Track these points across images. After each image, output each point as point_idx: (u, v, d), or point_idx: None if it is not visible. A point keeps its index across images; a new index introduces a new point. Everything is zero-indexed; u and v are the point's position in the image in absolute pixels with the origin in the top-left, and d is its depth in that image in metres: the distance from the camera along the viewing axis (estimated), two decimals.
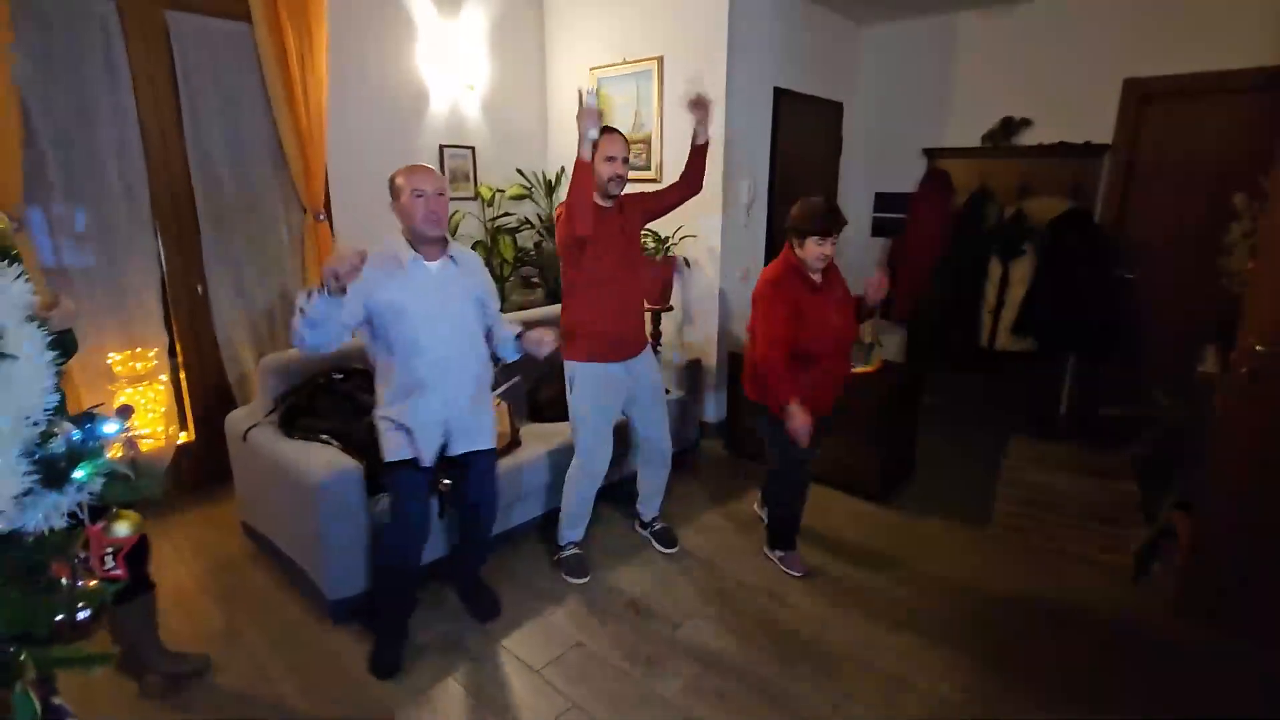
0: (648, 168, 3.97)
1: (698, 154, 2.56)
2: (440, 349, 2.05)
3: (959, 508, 3.21)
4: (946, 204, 4.32)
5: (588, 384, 2.51)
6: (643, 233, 3.52)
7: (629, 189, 2.52)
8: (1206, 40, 3.51)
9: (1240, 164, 3.31)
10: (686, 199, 2.65)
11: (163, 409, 3.16)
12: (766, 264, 4.13)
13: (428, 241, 2.05)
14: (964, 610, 2.47)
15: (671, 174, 3.86)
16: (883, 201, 4.81)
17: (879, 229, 4.86)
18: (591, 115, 2.17)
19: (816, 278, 2.42)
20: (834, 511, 3.16)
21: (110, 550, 0.97)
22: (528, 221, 4.32)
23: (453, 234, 4.01)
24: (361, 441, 2.42)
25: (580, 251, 2.39)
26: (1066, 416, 4.22)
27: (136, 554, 1.89)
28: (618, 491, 3.10)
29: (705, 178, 2.66)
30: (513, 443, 2.83)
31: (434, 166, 3.90)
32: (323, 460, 2.21)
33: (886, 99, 4.68)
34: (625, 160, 2.40)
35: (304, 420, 2.50)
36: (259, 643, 2.25)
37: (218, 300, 3.23)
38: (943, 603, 2.51)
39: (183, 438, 3.28)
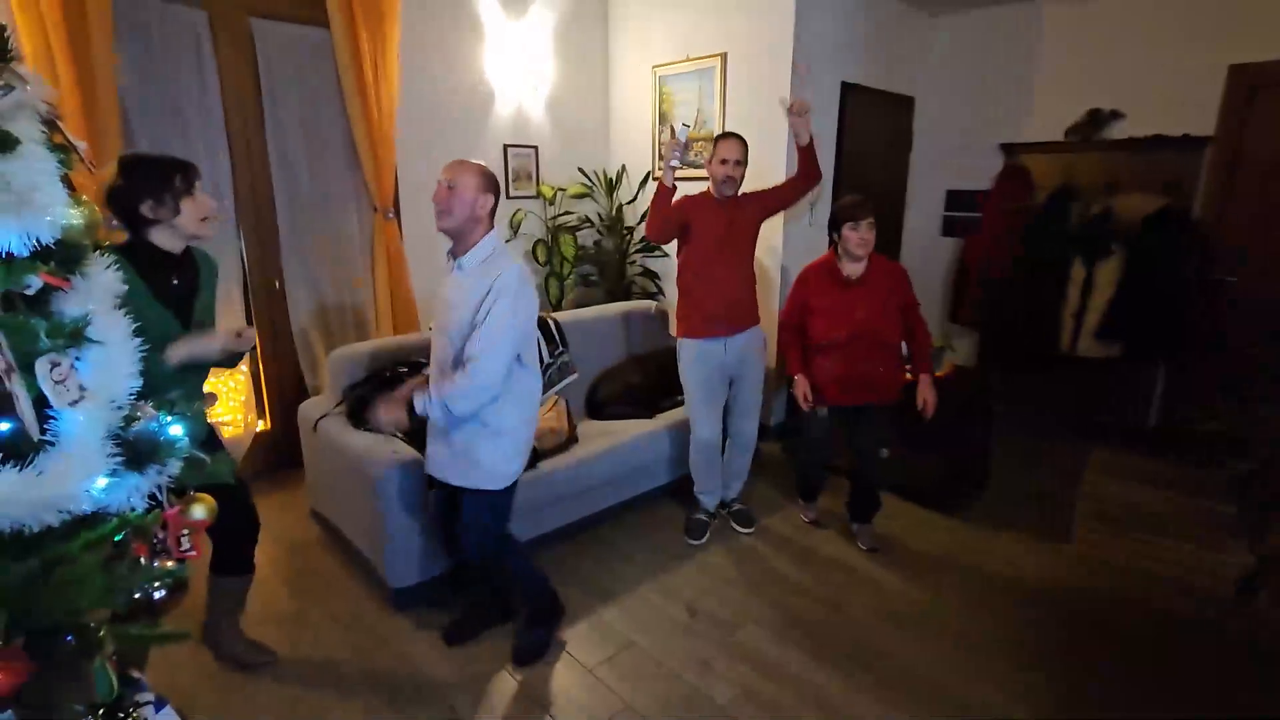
0: None
1: (805, 153, 2.75)
2: (434, 360, 2.01)
3: (1035, 522, 3.04)
4: (1024, 201, 4.10)
5: (686, 357, 2.78)
6: None
7: (748, 186, 2.75)
8: None
9: None
10: (805, 191, 2.85)
11: (242, 398, 3.33)
12: None
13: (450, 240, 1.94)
14: (1038, 632, 2.32)
15: None
16: (954, 199, 4.60)
17: (949, 228, 4.65)
18: (676, 146, 2.44)
19: (852, 272, 2.59)
20: (900, 520, 3.04)
21: (186, 532, 1.01)
22: (588, 220, 4.34)
23: (514, 232, 4.08)
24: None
25: (683, 240, 2.72)
26: (1156, 428, 3.94)
27: (246, 536, 2.01)
28: (682, 489, 3.08)
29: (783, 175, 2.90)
30: (570, 439, 2.83)
31: (498, 167, 4.02)
32: (386, 452, 2.27)
33: (960, 92, 4.47)
34: (738, 163, 2.63)
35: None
36: (325, 625, 2.33)
37: (293, 294, 3.37)
38: (1015, 623, 2.37)
39: (261, 426, 3.43)
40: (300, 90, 3.25)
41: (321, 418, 2.61)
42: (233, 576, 2.04)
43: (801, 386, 2.64)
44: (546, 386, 3.12)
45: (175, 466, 0.99)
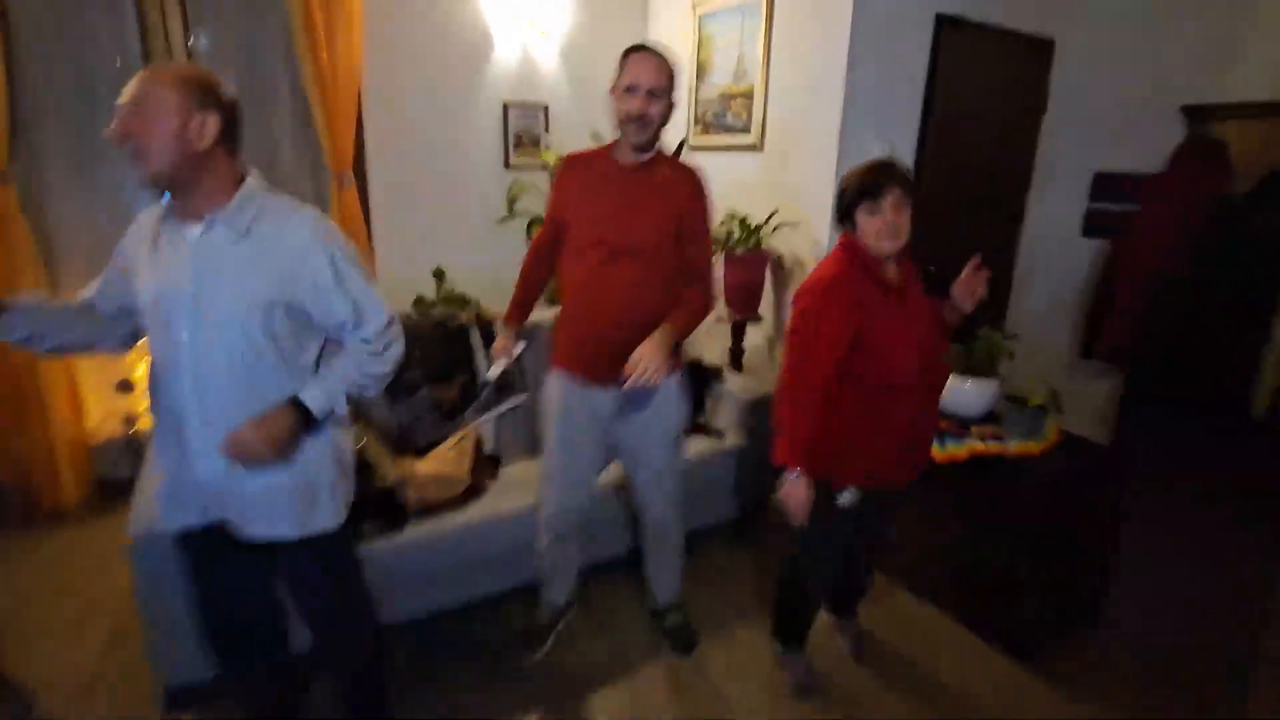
0: (746, 130, 3.00)
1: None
2: (169, 363, 1.26)
3: (1173, 690, 1.93)
4: (1214, 190, 2.82)
5: (551, 395, 1.86)
6: (727, 217, 2.74)
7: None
8: None
9: None
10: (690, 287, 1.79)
11: None
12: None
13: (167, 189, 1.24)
14: None
15: (776, 138, 2.90)
16: (1105, 185, 3.32)
17: (1095, 225, 3.36)
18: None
19: (891, 274, 1.61)
20: (948, 662, 2.04)
21: None
22: None
23: (510, 209, 3.36)
24: None
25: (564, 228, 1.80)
26: None
27: None
28: (623, 570, 2.28)
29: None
30: (471, 489, 2.10)
31: (497, 129, 3.32)
32: (148, 505, 1.63)
33: (1126, 33, 3.18)
34: (652, 94, 1.61)
35: None
36: None
37: None
38: None
39: None
40: (237, 33, 2.77)
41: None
42: None
43: (798, 494, 1.54)
44: (480, 410, 2.45)
45: None
